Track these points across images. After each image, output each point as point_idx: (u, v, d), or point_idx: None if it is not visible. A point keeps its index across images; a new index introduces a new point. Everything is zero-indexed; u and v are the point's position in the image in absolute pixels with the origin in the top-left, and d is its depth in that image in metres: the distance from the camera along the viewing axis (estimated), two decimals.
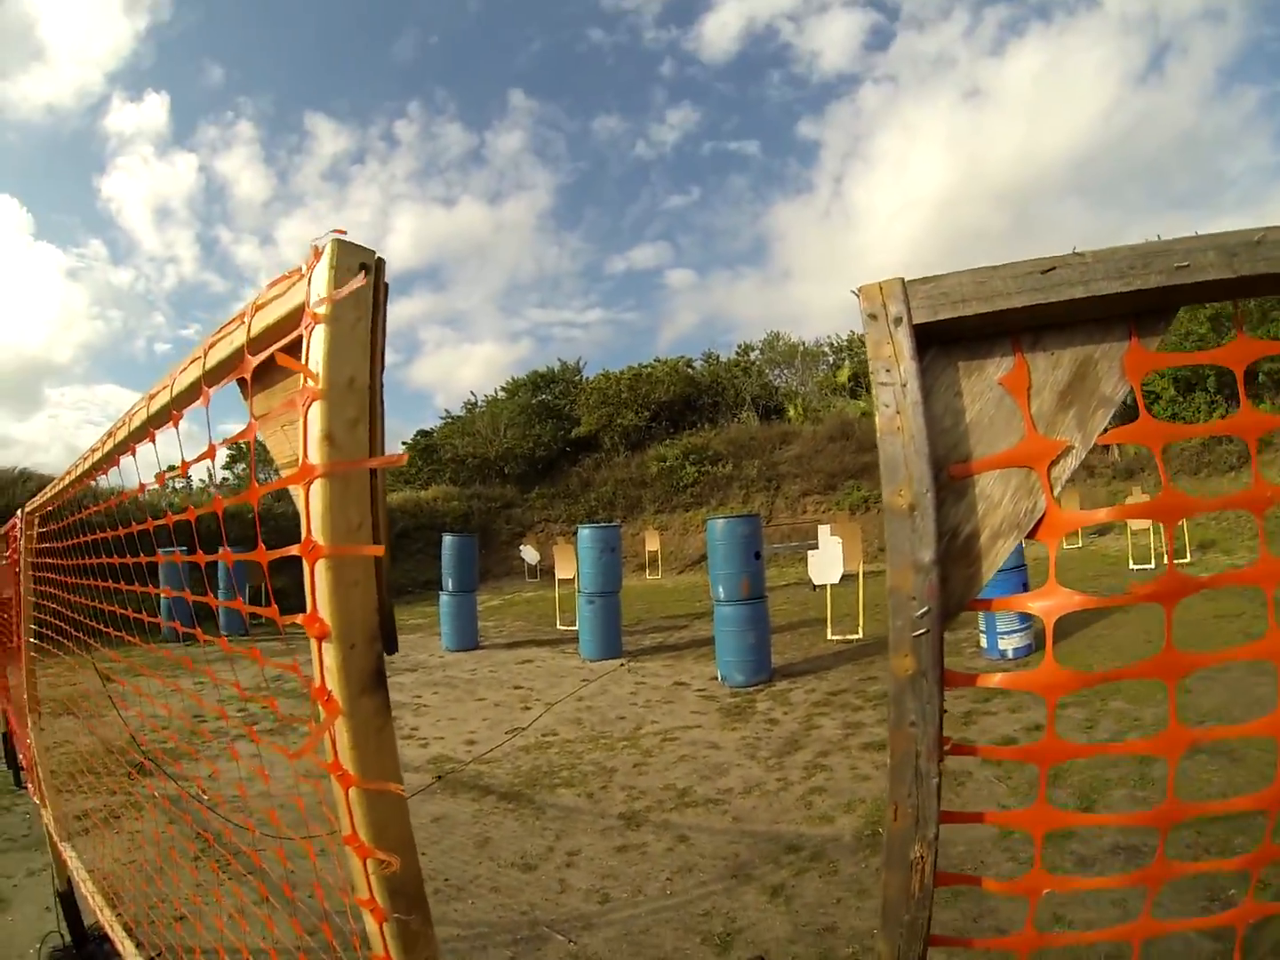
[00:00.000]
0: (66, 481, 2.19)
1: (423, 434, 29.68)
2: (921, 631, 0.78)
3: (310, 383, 0.79)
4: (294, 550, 0.79)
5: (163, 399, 1.30)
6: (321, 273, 0.82)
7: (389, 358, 0.91)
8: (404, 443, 29.55)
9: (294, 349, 0.85)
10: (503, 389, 29.87)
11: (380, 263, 0.87)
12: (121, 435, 1.61)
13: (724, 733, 5.87)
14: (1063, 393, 0.77)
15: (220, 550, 1.33)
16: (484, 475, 26.36)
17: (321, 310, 0.80)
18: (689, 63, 61.18)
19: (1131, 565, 12.04)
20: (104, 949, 2.25)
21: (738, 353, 29.12)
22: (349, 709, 0.76)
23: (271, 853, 3.99)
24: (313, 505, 0.77)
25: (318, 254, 0.84)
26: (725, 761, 5.10)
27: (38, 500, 2.53)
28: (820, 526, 8.77)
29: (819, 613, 9.20)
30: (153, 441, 1.46)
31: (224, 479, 25.74)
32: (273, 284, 0.94)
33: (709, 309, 56.41)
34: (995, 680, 0.81)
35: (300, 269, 0.87)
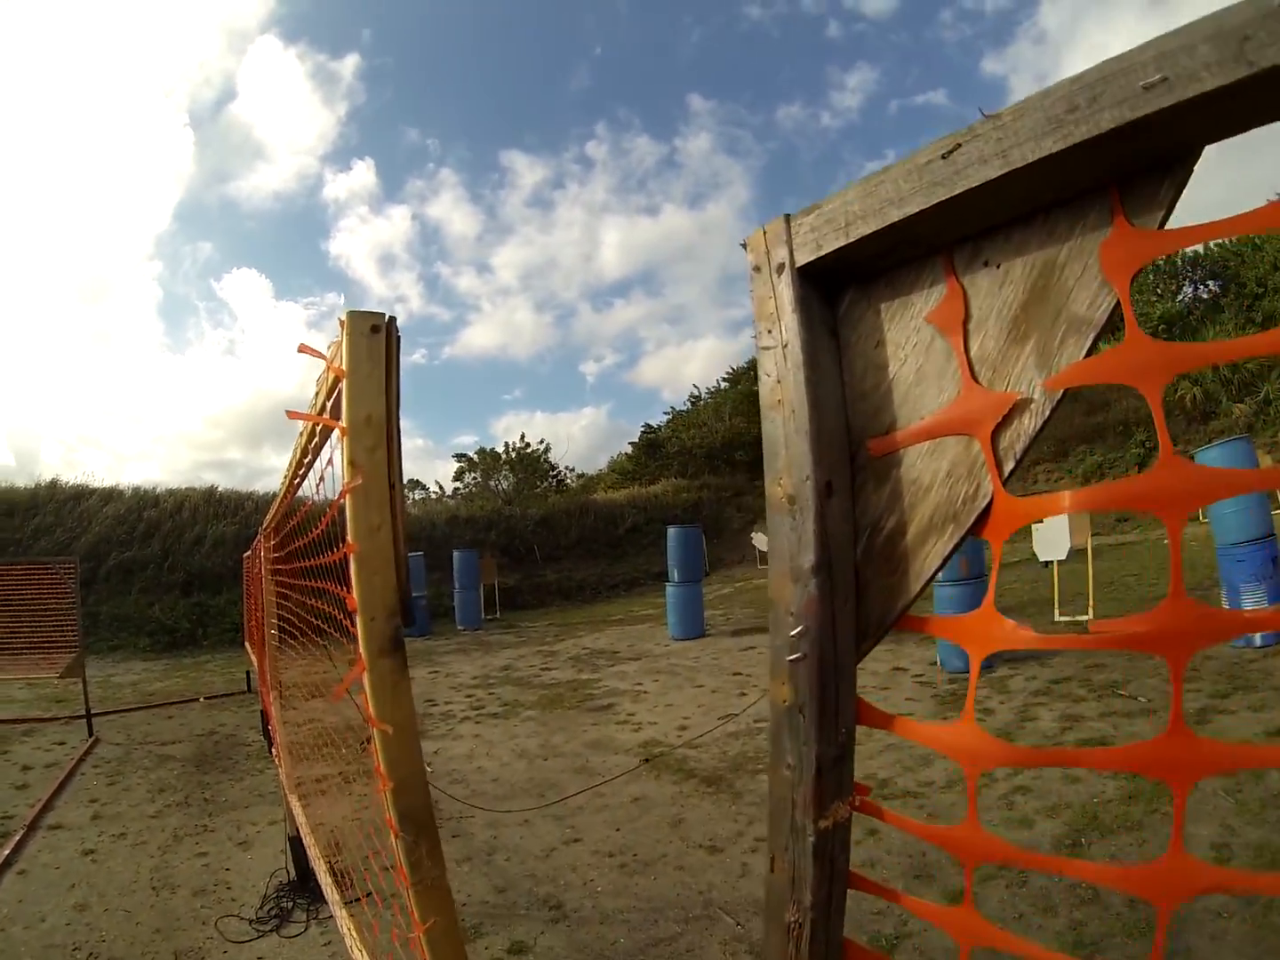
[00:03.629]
0: (276, 504, 2.68)
1: (648, 428, 30.76)
2: (797, 656, 0.62)
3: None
4: (345, 549, 1.00)
5: (302, 441, 1.67)
6: (343, 339, 1.02)
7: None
8: (630, 442, 30.85)
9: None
10: (724, 378, 30.19)
11: (391, 321, 1.05)
12: (290, 470, 1.99)
13: (935, 721, 5.58)
14: (1015, 320, 0.55)
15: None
16: (713, 465, 26.71)
17: (343, 366, 1.00)
18: (854, 19, 58.41)
19: None
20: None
21: None
22: (371, 665, 0.96)
23: (478, 819, 4.44)
24: (348, 513, 0.99)
25: (342, 325, 1.03)
26: (930, 753, 4.85)
27: (266, 520, 3.10)
28: None
29: (1049, 592, 8.37)
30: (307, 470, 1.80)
31: (455, 488, 29.05)
32: (330, 347, 1.14)
33: None
34: (901, 728, 0.64)
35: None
